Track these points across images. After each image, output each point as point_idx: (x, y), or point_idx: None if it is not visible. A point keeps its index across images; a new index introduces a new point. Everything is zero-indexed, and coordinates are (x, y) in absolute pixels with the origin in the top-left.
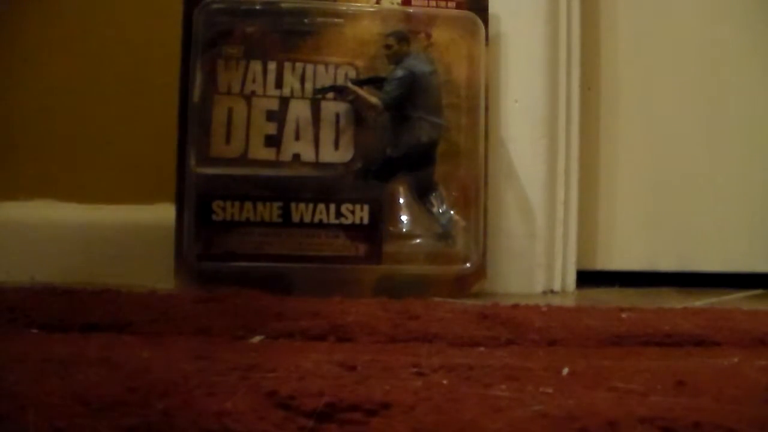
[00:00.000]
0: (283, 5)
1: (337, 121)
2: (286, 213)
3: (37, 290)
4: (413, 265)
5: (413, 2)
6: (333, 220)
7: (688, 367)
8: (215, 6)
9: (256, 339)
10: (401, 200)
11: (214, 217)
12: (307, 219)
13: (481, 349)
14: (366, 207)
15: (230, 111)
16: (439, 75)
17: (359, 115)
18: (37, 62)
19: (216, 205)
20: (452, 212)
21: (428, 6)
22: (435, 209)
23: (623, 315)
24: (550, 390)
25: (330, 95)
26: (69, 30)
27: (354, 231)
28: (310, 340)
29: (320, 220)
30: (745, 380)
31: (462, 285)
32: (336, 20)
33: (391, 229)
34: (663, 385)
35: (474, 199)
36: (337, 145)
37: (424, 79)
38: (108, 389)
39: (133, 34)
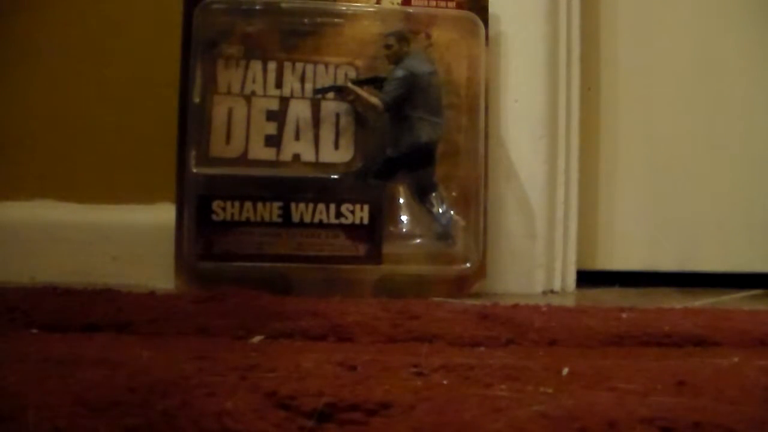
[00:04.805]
0: (283, 5)
1: (337, 121)
2: (286, 213)
3: (37, 290)
4: (413, 265)
5: (413, 2)
6: (333, 220)
7: (688, 367)
8: (215, 6)
9: (256, 339)
10: (401, 200)
11: (214, 217)
12: (307, 219)
13: (481, 349)
14: (366, 207)
15: (230, 111)
16: (439, 75)
17: (359, 115)
18: (37, 62)
19: (216, 205)
20: (452, 212)
21: (428, 6)
22: (435, 209)
23: (623, 315)
24: (550, 390)
25: (330, 95)
26: (69, 30)
27: (354, 231)
28: (310, 340)
29: (320, 220)
30: (745, 380)
31: (462, 285)
32: (336, 20)
33: (391, 229)
34: (663, 385)
35: (474, 199)
36: (337, 145)
37: (424, 79)
38: (108, 389)
39: (133, 34)
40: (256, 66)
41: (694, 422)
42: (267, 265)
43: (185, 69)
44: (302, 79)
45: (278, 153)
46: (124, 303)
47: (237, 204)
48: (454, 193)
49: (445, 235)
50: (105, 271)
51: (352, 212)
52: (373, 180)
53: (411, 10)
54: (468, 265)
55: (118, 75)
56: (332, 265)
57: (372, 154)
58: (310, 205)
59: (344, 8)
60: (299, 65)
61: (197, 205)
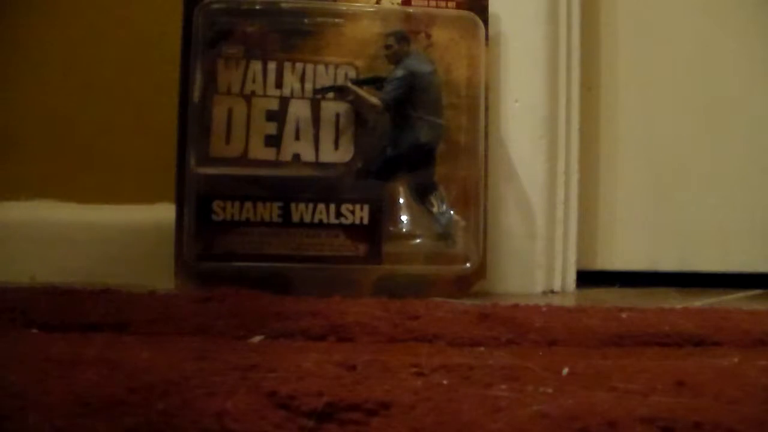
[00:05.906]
0: (283, 5)
1: (337, 121)
2: (286, 213)
3: (37, 290)
4: (413, 265)
5: (413, 2)
6: (333, 220)
7: (688, 367)
8: (215, 6)
9: (256, 339)
10: (401, 200)
11: (214, 217)
12: (307, 219)
13: (481, 349)
14: (366, 207)
15: (230, 111)
16: (439, 75)
17: (359, 115)
18: (37, 62)
19: (216, 205)
20: (452, 212)
21: (428, 6)
22: (435, 209)
23: (623, 315)
24: (550, 390)
25: (330, 95)
26: (69, 30)
27: (354, 231)
28: (310, 340)
29: (320, 220)
30: (745, 380)
31: (462, 285)
32: (336, 20)
33: (391, 229)
34: (663, 385)
35: (474, 199)
36: (337, 145)
37: (424, 79)
38: (108, 389)
39: (133, 34)
40: (256, 66)
41: (694, 422)
42: (267, 265)
43: (185, 69)
44: (302, 79)
45: (278, 153)
46: (124, 303)
47: (237, 204)
48: (454, 193)
49: (445, 235)
50: (105, 271)
51: (352, 212)
52: (373, 180)
53: (411, 10)
54: (468, 265)
55: (118, 75)
56: (332, 265)
57: (372, 154)
58: (310, 205)
59: (344, 8)
60: (299, 65)
61: (197, 205)
